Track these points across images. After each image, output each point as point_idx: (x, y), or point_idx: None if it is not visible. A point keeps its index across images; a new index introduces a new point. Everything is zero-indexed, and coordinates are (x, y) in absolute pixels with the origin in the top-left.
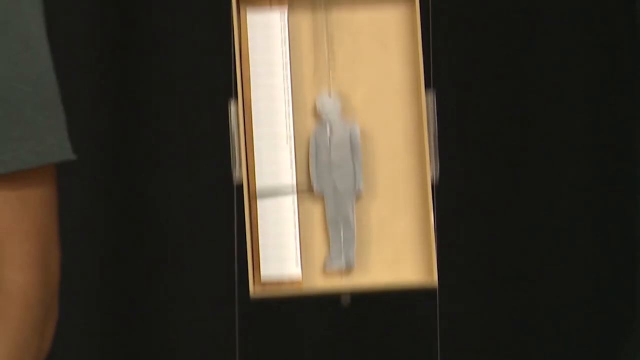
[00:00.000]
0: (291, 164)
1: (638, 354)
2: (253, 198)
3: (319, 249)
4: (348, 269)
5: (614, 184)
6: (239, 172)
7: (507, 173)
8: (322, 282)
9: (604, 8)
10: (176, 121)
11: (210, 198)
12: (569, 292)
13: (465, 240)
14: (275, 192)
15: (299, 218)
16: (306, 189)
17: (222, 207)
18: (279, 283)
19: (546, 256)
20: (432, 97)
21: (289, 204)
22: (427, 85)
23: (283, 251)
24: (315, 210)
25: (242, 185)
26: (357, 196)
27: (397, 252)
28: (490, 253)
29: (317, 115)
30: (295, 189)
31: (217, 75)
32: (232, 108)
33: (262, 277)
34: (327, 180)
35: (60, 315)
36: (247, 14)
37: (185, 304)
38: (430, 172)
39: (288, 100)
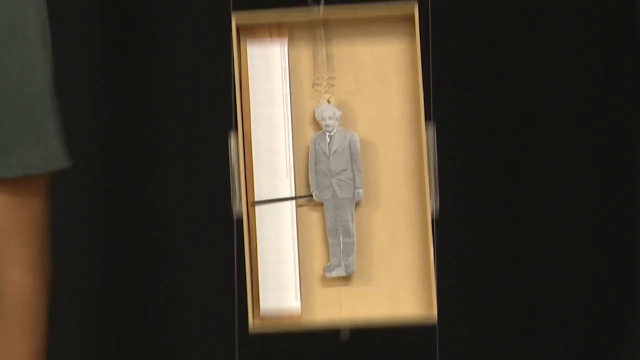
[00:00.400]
0: (291, 193)
1: (638, 354)
2: (253, 231)
3: (318, 279)
4: (348, 275)
5: (614, 184)
6: (239, 206)
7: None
8: (321, 315)
9: (604, 8)
10: (176, 122)
11: (210, 198)
12: (569, 292)
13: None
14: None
15: (298, 251)
16: (305, 200)
17: (222, 208)
18: (278, 318)
19: (546, 256)
20: (432, 130)
21: (289, 235)
22: (427, 118)
23: (283, 281)
24: (317, 239)
25: (242, 220)
26: (357, 203)
27: (397, 285)
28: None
29: (316, 123)
30: (294, 216)
31: (217, 76)
32: (232, 141)
33: (261, 311)
34: (326, 188)
35: (60, 315)
36: (248, 45)
37: (185, 304)
38: (430, 206)
39: (288, 130)
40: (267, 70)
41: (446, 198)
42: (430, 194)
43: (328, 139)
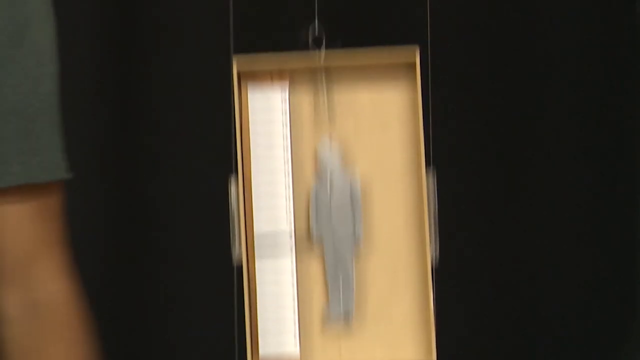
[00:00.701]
0: (290, 236)
1: (638, 354)
2: (253, 278)
3: (317, 325)
4: (347, 320)
5: (614, 184)
6: (239, 251)
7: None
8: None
9: (604, 8)
10: (176, 122)
11: (211, 198)
12: (569, 292)
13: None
14: (274, 253)
15: (298, 296)
16: (305, 245)
17: (222, 208)
18: None
19: (546, 256)
20: (432, 177)
21: (288, 280)
22: (427, 164)
23: (282, 327)
24: (316, 285)
25: (241, 266)
26: (357, 247)
27: (396, 330)
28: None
29: (317, 167)
30: (294, 260)
31: (218, 78)
32: (232, 187)
33: (260, 357)
34: (326, 234)
35: None
36: (248, 89)
37: (185, 305)
38: (430, 254)
39: (288, 172)
40: (268, 114)
41: (445, 197)
42: (430, 240)
43: (329, 185)
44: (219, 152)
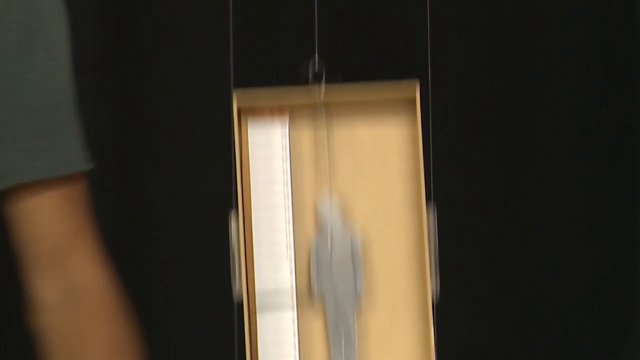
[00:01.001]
0: (291, 272)
1: (638, 354)
2: (253, 314)
3: None
4: None
5: (614, 184)
6: (239, 287)
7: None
8: None
9: (604, 8)
10: (176, 122)
11: (211, 198)
12: (569, 292)
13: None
14: (275, 304)
15: (299, 337)
16: (306, 299)
17: (222, 207)
18: None
19: (546, 256)
20: (433, 213)
21: (289, 321)
22: (427, 199)
23: None
24: (316, 332)
25: (242, 302)
26: (358, 301)
27: None
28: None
29: (317, 221)
30: (295, 307)
31: (218, 78)
32: (233, 223)
33: None
34: (327, 285)
35: None
36: (248, 125)
37: (185, 304)
38: (430, 289)
39: (288, 206)
40: (268, 151)
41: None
42: (430, 276)
43: (329, 239)
44: (218, 151)
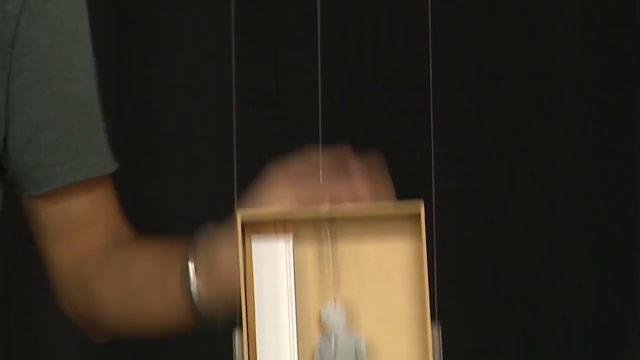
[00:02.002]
0: None
1: (638, 354)
2: None
3: None
4: None
5: (614, 184)
6: None
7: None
8: None
9: (604, 8)
10: (176, 123)
11: (211, 198)
12: (569, 292)
13: None
14: None
15: None
16: None
17: (222, 208)
18: None
19: (546, 256)
20: (437, 331)
21: None
22: (432, 318)
23: None
24: None
25: None
26: None
27: None
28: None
29: (321, 332)
30: None
31: (218, 79)
32: (237, 340)
33: None
34: None
35: (61, 314)
36: (252, 241)
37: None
38: None
39: (292, 325)
40: (272, 267)
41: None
42: None
43: (333, 346)
44: (218, 151)
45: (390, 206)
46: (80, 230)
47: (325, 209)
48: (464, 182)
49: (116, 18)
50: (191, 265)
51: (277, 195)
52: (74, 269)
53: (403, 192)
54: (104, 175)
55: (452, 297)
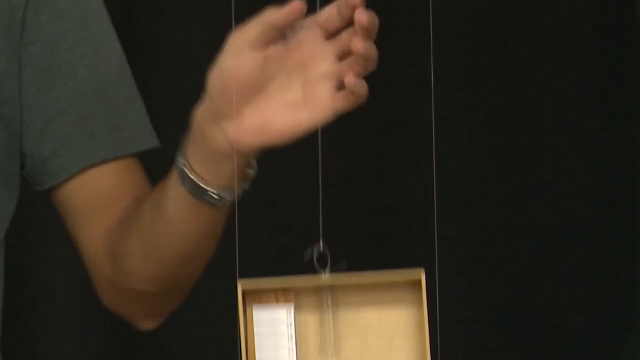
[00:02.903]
0: None
1: (638, 354)
2: None
3: None
4: None
5: (613, 184)
6: None
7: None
8: None
9: (604, 8)
10: (176, 123)
11: None
12: (569, 292)
13: None
14: None
15: None
16: None
17: None
18: None
19: (546, 256)
20: None
21: None
22: None
23: None
24: None
25: None
26: None
27: None
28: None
29: None
30: None
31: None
32: None
33: None
34: None
35: (61, 315)
36: (253, 310)
37: (185, 304)
38: None
39: None
40: (274, 335)
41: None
42: None
43: None
44: None
45: (391, 273)
46: (106, 209)
47: (326, 277)
48: (464, 182)
49: (116, 18)
50: (180, 157)
51: (240, 59)
52: (103, 245)
53: (403, 191)
54: (123, 155)
55: (452, 294)
